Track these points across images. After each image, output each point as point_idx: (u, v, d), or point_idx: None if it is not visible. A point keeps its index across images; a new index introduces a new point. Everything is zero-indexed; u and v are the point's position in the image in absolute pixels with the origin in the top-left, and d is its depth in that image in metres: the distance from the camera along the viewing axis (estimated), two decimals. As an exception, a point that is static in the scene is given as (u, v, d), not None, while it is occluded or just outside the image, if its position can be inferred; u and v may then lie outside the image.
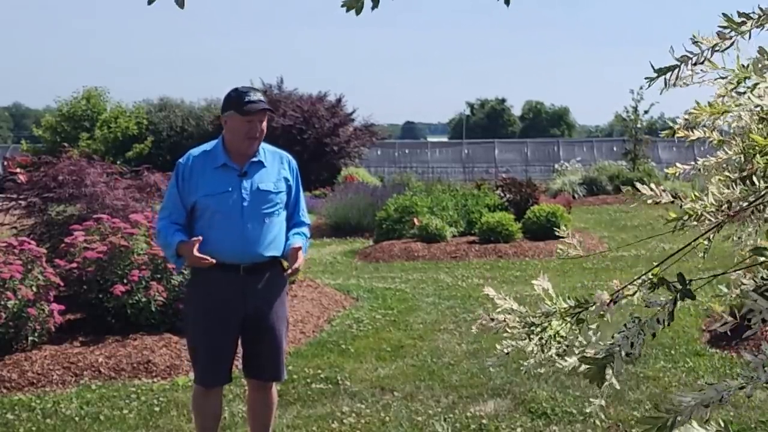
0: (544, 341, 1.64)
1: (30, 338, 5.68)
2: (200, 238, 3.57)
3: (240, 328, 3.75)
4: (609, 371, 1.50)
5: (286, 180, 3.84)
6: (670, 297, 1.51)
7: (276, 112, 23.56)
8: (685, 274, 1.65)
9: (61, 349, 5.79)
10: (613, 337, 1.52)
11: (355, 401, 5.04)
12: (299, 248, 3.73)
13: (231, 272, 3.67)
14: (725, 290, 1.65)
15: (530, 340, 1.64)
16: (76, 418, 4.78)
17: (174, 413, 4.86)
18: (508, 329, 1.68)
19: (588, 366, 1.50)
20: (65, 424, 4.71)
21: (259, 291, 3.72)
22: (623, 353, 1.49)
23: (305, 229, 3.92)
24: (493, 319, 1.70)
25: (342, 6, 1.55)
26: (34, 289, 5.72)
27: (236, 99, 3.68)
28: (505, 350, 1.70)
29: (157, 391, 5.23)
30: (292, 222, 3.87)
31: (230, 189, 3.67)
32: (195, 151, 3.81)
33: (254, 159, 3.75)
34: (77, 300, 6.27)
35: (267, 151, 3.83)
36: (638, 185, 1.65)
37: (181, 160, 3.79)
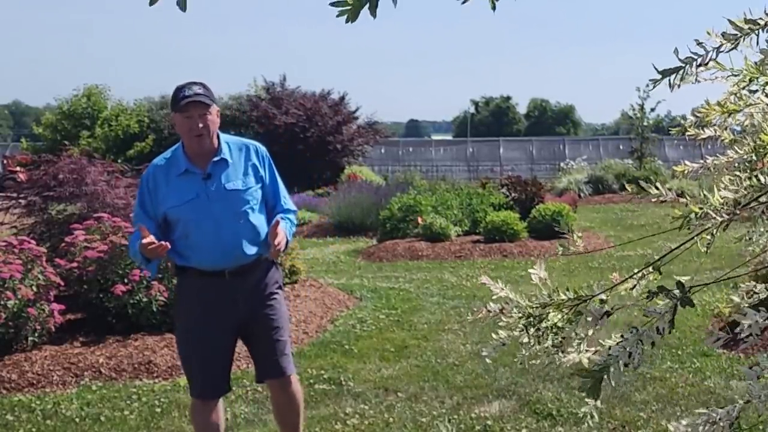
0: (540, 332, 1.59)
1: (30, 338, 5.64)
2: (144, 226, 3.39)
3: (236, 334, 3.63)
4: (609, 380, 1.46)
5: (256, 172, 3.60)
6: (670, 305, 1.46)
7: (279, 109, 23.59)
8: (691, 274, 1.60)
9: (62, 349, 5.75)
10: (610, 348, 1.48)
11: (359, 402, 4.99)
12: (278, 223, 3.50)
13: (216, 278, 3.51)
14: (736, 299, 1.61)
15: (527, 332, 1.60)
16: (77, 419, 4.75)
17: (175, 414, 4.81)
18: (504, 319, 1.64)
19: (584, 378, 1.46)
20: (65, 426, 4.67)
21: (249, 293, 3.57)
22: (621, 364, 1.44)
23: (291, 216, 3.69)
24: (489, 310, 1.66)
25: (335, 9, 1.47)
26: (34, 288, 5.68)
27: (173, 96, 3.49)
28: (501, 341, 1.65)
29: (158, 392, 5.18)
30: (275, 212, 3.63)
31: (196, 195, 3.48)
32: (158, 160, 3.64)
33: (216, 158, 3.52)
34: (78, 300, 6.23)
35: (232, 146, 3.60)
36: (643, 183, 1.60)
37: (144, 173, 3.64)
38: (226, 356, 3.65)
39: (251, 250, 3.54)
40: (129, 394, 5.13)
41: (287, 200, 3.73)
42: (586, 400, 1.63)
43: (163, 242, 3.37)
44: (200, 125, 3.45)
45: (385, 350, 6.21)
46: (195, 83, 3.50)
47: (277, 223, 3.51)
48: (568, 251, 1.68)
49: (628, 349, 1.44)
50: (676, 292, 1.47)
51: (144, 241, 3.34)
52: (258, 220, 3.59)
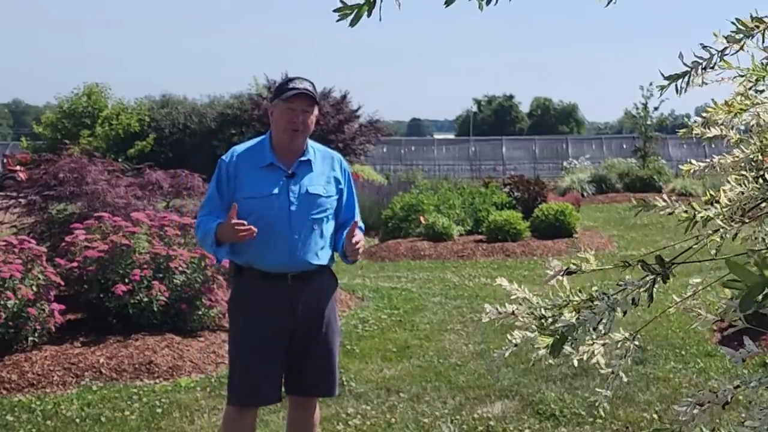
0: (554, 333, 1.58)
1: (30, 338, 5.61)
2: (235, 206, 3.23)
3: (289, 340, 3.45)
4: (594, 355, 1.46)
5: (337, 183, 3.51)
6: (648, 278, 1.48)
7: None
8: (695, 274, 1.59)
9: (62, 349, 5.72)
10: (580, 311, 1.49)
11: (361, 402, 4.97)
12: (355, 224, 3.41)
13: (277, 282, 3.37)
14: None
15: (540, 333, 1.58)
16: (77, 420, 4.72)
17: (176, 415, 4.79)
18: (519, 320, 1.62)
19: (547, 336, 1.45)
20: (66, 426, 4.64)
21: (308, 300, 3.41)
22: (590, 327, 1.45)
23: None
24: (501, 312, 1.64)
25: (337, 16, 1.44)
26: (35, 288, 5.64)
27: (280, 85, 3.42)
28: (515, 341, 1.63)
29: (159, 393, 5.15)
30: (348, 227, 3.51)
31: (276, 191, 3.35)
32: (239, 147, 3.50)
33: (303, 158, 3.42)
34: (78, 300, 6.19)
35: (317, 151, 3.51)
36: (648, 197, 1.58)
37: (224, 156, 3.47)
38: (278, 363, 3.45)
39: (316, 258, 3.41)
40: (129, 395, 5.10)
41: (360, 221, 3.62)
42: (598, 389, 1.61)
43: (252, 228, 3.22)
44: (300, 120, 3.37)
45: (387, 350, 6.19)
46: (306, 79, 3.43)
47: (355, 224, 3.43)
48: (581, 270, 1.65)
49: (598, 316, 1.44)
50: (656, 266, 1.47)
51: (233, 221, 3.22)
52: (328, 230, 3.48)
